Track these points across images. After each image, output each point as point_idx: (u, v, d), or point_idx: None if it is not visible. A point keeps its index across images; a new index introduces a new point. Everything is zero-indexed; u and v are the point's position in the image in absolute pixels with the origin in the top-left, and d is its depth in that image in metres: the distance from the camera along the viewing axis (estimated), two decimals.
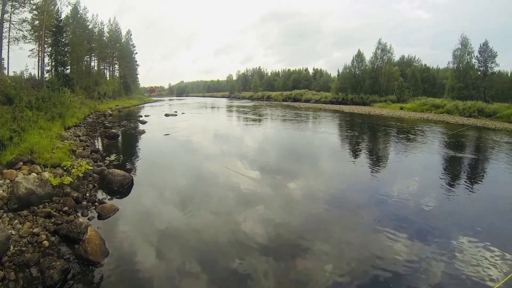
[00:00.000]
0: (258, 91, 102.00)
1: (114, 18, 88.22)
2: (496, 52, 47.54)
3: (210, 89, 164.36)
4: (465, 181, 11.20)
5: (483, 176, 12.45)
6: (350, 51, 76.89)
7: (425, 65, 70.45)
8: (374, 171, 12.04)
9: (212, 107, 54.86)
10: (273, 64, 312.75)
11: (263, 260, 5.40)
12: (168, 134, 19.69)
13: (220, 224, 6.81)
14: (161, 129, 22.68)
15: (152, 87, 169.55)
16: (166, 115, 36.26)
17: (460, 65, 49.68)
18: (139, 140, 18.31)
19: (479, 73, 49.15)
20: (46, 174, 8.85)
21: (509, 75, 55.97)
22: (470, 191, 9.99)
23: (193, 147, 15.79)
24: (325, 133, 22.51)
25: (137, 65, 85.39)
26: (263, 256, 5.52)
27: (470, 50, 49.35)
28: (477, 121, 35.35)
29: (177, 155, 14.10)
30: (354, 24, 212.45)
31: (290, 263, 5.36)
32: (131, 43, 76.88)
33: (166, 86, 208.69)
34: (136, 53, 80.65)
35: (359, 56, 69.00)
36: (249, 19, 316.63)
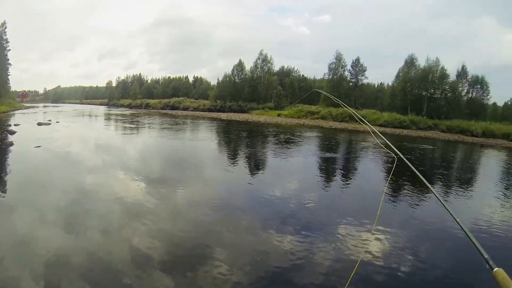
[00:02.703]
0: (137, 99, 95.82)
1: None
2: (366, 67, 55.99)
3: (88, 95, 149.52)
4: (341, 177, 12.94)
5: (356, 171, 14.61)
6: (235, 61, 77.63)
7: (303, 75, 76.28)
8: (254, 174, 12.59)
9: (89, 116, 50.87)
10: (156, 72, 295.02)
11: (160, 273, 5.06)
12: (40, 146, 17.06)
13: (110, 242, 6.14)
14: (33, 140, 19.74)
15: (25, 91, 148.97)
16: (39, 124, 31.31)
17: (335, 76, 55.49)
18: (7, 154, 15.63)
19: (351, 84, 56.40)
20: None
21: (375, 86, 66.09)
22: (345, 184, 11.65)
23: (70, 160, 14.13)
24: (203, 140, 23.00)
25: (9, 64, 68.72)
26: (160, 269, 5.18)
27: (343, 64, 55.96)
28: (348, 125, 40.00)
29: (51, 169, 12.43)
30: (243, 36, 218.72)
31: (188, 271, 5.15)
32: (4, 37, 61.29)
33: (41, 91, 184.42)
34: (9, 49, 65.01)
35: (240, 65, 69.12)
36: (140, 23, 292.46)
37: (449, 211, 1.81)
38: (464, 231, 1.64)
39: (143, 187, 9.98)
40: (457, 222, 1.75)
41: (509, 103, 50.04)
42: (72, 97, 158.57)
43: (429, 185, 2.32)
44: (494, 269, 1.32)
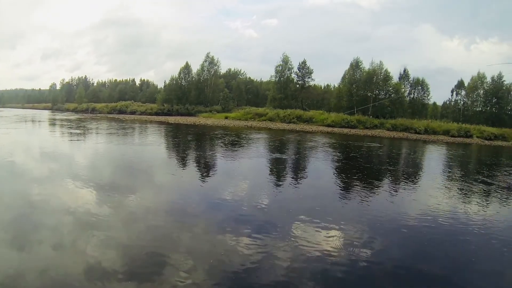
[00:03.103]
0: (82, 103, 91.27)
1: None
2: (312, 69, 56.10)
3: (31, 99, 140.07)
4: (292, 177, 12.80)
5: (305, 170, 14.58)
6: (182, 63, 74.53)
7: (249, 77, 76.01)
8: (205, 178, 12.46)
9: (32, 121, 46.93)
10: (104, 74, 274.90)
11: (118, 285, 4.81)
12: None
13: (63, 256, 5.71)
14: None
15: None
16: None
17: (281, 78, 55.49)
18: None
19: (298, 86, 56.52)
20: None
21: (322, 88, 66.86)
22: (296, 184, 11.48)
23: (13, 170, 13.03)
24: (152, 145, 22.23)
25: None
26: (117, 280, 4.92)
27: (290, 66, 56.04)
28: (296, 126, 40.20)
29: None
30: (191, 38, 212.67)
31: (146, 281, 4.92)
32: None
33: None
34: None
35: (187, 68, 67.19)
36: (87, 22, 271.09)
37: None
38: None
39: (93, 196, 9.60)
40: None
41: (447, 102, 52.66)
42: (13, 100, 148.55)
43: None
44: None
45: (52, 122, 45.41)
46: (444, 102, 54.29)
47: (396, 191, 10.92)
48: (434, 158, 21.72)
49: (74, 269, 5.34)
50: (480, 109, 47.86)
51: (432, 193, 10.51)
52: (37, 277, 5.17)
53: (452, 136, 36.44)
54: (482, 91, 47.87)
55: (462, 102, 49.93)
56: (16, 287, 4.91)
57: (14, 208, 8.64)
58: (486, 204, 9.65)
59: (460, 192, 10.97)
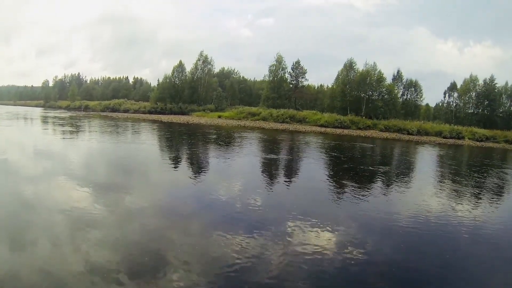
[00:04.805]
0: (75, 100, 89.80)
1: None
2: (306, 70, 56.84)
3: (23, 96, 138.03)
4: (284, 177, 13.13)
5: (298, 171, 14.79)
6: (177, 62, 74.71)
7: (243, 77, 76.27)
8: (199, 177, 12.53)
9: (25, 118, 46.30)
10: (98, 71, 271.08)
11: (115, 283, 4.78)
12: None
13: (60, 255, 5.64)
14: None
15: None
16: None
17: (275, 78, 55.33)
18: None
19: (291, 85, 56.91)
20: None
21: (315, 88, 67.30)
22: (288, 184, 11.65)
23: (5, 168, 12.71)
24: (144, 144, 22.27)
25: None
26: (114, 279, 4.91)
27: (284, 66, 56.15)
28: (289, 126, 40.54)
29: None
30: (187, 36, 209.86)
31: (143, 279, 4.93)
32: None
33: None
34: None
35: (180, 66, 66.91)
36: (84, 18, 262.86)
37: None
38: None
39: (88, 195, 9.48)
40: None
41: (440, 104, 52.97)
42: (4, 97, 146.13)
43: None
44: None
45: (45, 120, 45.21)
46: (436, 104, 54.78)
47: (388, 192, 11.06)
48: (426, 159, 21.93)
49: (70, 268, 5.29)
50: (472, 111, 48.27)
51: (423, 193, 10.67)
52: (33, 274, 5.10)
53: (444, 137, 36.85)
54: (474, 94, 48.29)
55: (454, 104, 50.28)
56: (12, 285, 4.81)
57: (7, 206, 8.44)
58: (475, 205, 9.86)
59: (450, 193, 11.10)
